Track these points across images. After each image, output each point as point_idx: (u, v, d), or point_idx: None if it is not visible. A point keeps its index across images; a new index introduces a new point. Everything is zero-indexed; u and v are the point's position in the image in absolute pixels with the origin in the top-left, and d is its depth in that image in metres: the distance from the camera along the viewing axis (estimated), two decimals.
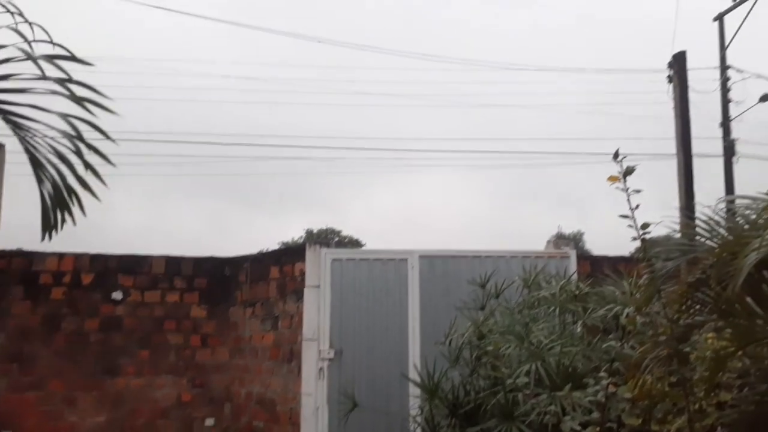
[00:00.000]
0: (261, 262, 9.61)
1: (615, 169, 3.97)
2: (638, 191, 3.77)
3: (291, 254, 9.18)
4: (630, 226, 3.75)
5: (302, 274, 8.40)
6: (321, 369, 7.96)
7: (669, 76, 12.02)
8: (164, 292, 9.66)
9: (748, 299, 3.47)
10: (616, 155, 3.97)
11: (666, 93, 12.12)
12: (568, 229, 29.01)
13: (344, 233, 28.95)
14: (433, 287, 7.94)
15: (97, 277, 9.46)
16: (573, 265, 7.85)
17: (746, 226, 3.35)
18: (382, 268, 8.18)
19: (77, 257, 9.42)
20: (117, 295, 9.45)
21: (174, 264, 9.80)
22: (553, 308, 5.04)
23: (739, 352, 3.68)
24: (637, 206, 3.78)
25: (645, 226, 3.74)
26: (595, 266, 8.30)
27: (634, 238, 3.74)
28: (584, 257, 9.20)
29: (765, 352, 3.68)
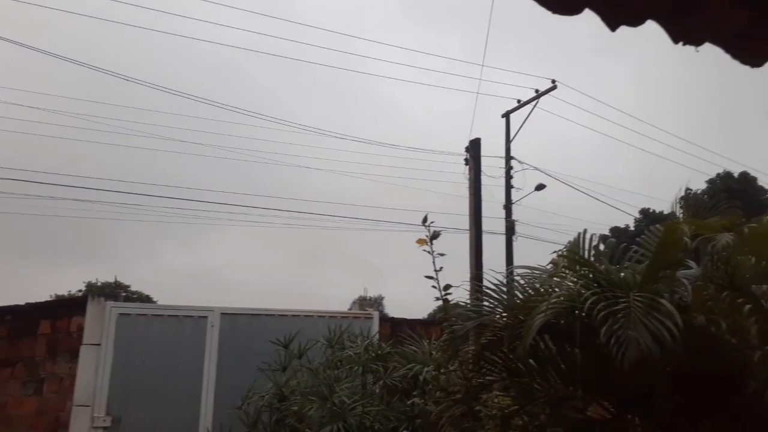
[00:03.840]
0: (28, 314, 8.21)
1: (414, 238, 4.24)
2: (443, 254, 4.01)
3: (68, 307, 8.01)
4: (434, 287, 3.95)
5: (80, 329, 7.35)
6: None
7: (466, 159, 13.41)
8: None
9: (531, 361, 3.82)
10: (425, 221, 4.21)
11: (463, 174, 13.49)
12: (369, 293, 30.04)
13: (133, 288, 26.51)
14: (234, 347, 7.48)
15: None
16: (376, 326, 8.01)
17: (532, 293, 3.71)
18: (178, 325, 7.51)
19: None
20: None
21: None
22: (356, 368, 5.04)
23: (521, 410, 4.00)
24: (441, 268, 4.01)
25: (447, 287, 3.96)
26: (395, 327, 8.58)
27: (437, 298, 3.94)
28: (385, 319, 9.48)
29: (542, 409, 4.03)
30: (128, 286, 26.09)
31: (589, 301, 2.88)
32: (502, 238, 15.86)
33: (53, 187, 13.37)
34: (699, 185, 27.39)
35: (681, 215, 4.26)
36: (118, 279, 26.68)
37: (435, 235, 4.06)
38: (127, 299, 22.15)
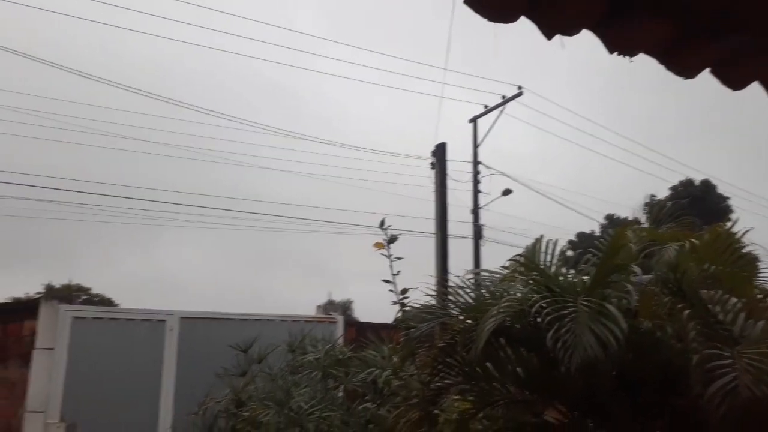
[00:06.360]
0: None
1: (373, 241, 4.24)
2: (400, 258, 4.01)
3: (19, 310, 7.79)
4: (391, 290, 3.95)
5: (33, 333, 7.15)
6: None
7: (432, 163, 13.46)
8: None
9: (488, 364, 3.84)
10: (382, 224, 4.21)
11: (429, 178, 13.54)
12: (338, 297, 29.91)
13: (95, 291, 25.87)
14: (193, 351, 7.36)
15: None
16: (340, 330, 7.98)
17: (488, 296, 3.73)
18: (135, 329, 7.37)
19: None
20: None
21: None
22: (316, 373, 5.00)
23: (479, 414, 4.02)
24: (398, 272, 4.01)
25: (404, 291, 3.97)
26: (360, 332, 8.54)
27: (394, 302, 3.94)
28: (351, 323, 9.46)
29: (500, 413, 4.05)
30: (89, 289, 25.47)
31: (537, 305, 2.91)
32: (470, 243, 15.99)
33: (7, 186, 12.95)
34: (663, 192, 28.07)
35: (645, 221, 4.34)
36: (80, 282, 26.02)
37: (392, 239, 4.07)
38: (89, 302, 21.65)
